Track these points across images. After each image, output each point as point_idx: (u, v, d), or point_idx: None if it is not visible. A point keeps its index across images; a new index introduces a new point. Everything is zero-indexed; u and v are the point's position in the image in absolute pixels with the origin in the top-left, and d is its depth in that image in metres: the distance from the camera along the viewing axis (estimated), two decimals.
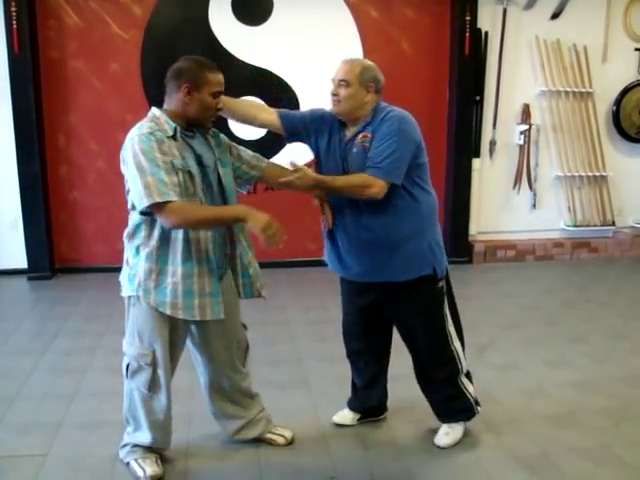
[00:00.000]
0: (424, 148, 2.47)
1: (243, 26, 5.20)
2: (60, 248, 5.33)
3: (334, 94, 2.42)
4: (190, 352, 2.54)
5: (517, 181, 5.74)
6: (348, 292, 2.71)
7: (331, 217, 2.50)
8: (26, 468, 2.52)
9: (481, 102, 5.54)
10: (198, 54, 2.34)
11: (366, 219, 2.43)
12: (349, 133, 2.47)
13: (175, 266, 2.22)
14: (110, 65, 5.10)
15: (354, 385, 2.85)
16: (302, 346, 3.79)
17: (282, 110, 2.61)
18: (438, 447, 2.64)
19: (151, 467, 2.43)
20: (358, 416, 2.84)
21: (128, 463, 2.49)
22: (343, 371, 2.95)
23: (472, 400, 2.67)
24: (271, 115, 2.59)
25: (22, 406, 3.03)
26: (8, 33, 4.81)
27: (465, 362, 2.64)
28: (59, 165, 5.22)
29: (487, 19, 5.44)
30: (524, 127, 5.59)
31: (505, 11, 5.43)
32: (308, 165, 2.50)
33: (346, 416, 2.85)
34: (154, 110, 2.27)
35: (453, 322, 2.60)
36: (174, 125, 2.21)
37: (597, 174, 5.80)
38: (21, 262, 5.21)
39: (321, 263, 2.75)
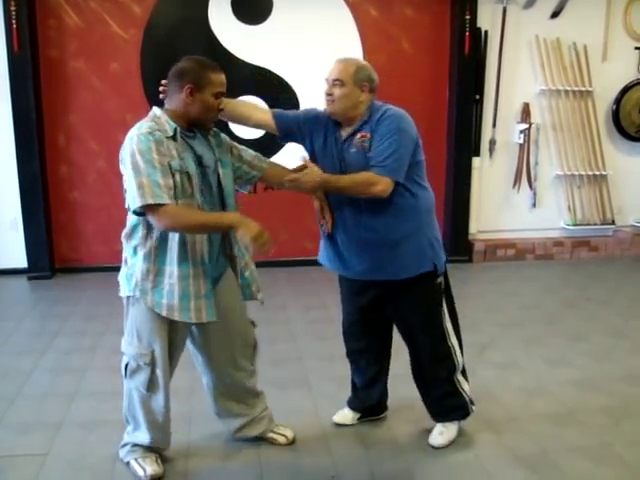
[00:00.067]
0: (421, 145, 2.48)
1: (243, 25, 5.19)
2: (60, 248, 5.32)
3: (328, 94, 2.42)
4: (190, 353, 2.54)
5: (517, 180, 5.74)
6: (348, 291, 2.70)
7: (331, 221, 2.49)
8: (26, 468, 2.52)
9: (481, 101, 5.54)
10: (198, 53, 2.34)
11: (366, 218, 2.43)
12: (345, 133, 2.46)
13: (172, 267, 2.22)
14: (110, 65, 5.10)
15: (354, 384, 2.85)
16: (302, 345, 3.79)
17: (276, 110, 2.60)
18: (432, 447, 2.63)
19: (151, 466, 2.44)
20: (358, 415, 2.84)
21: (128, 462, 2.49)
22: (343, 370, 2.95)
23: (467, 399, 2.67)
24: (265, 115, 2.58)
25: (22, 406, 3.03)
26: (8, 32, 4.80)
27: (462, 359, 2.64)
28: (59, 165, 5.21)
29: (487, 18, 5.43)
30: (524, 126, 5.59)
31: (505, 10, 5.42)
32: None
33: (346, 415, 2.85)
34: (155, 110, 2.27)
35: (450, 319, 2.60)
36: (174, 125, 2.20)
37: (597, 173, 5.80)
38: (21, 262, 5.21)
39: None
